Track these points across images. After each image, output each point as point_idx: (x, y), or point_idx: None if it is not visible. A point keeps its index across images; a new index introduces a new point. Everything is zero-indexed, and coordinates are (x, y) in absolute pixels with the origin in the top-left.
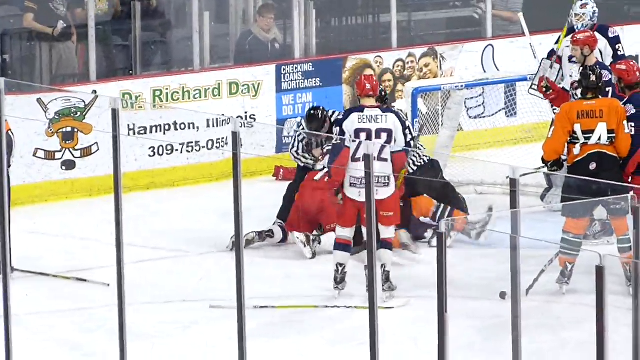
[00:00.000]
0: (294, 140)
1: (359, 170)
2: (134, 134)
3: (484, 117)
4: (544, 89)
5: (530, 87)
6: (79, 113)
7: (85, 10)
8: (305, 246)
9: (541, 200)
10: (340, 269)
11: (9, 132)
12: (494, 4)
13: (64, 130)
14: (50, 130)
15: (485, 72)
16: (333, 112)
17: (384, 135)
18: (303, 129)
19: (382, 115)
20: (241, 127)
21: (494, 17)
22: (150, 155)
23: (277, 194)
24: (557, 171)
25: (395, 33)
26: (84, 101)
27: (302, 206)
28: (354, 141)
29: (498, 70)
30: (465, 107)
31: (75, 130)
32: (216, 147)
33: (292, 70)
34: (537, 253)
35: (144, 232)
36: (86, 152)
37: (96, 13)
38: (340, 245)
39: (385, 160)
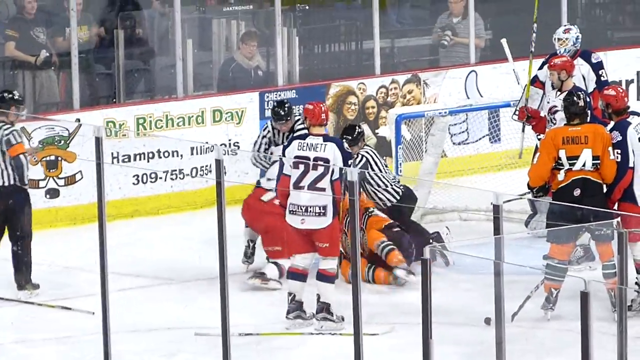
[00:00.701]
0: (259, 136)
1: (299, 198)
2: (118, 162)
3: (468, 143)
4: (526, 118)
5: (514, 113)
6: (62, 141)
7: (67, 40)
8: (267, 283)
9: (525, 227)
10: (290, 297)
11: (20, 155)
12: (458, 32)
13: (48, 158)
14: (34, 158)
15: (468, 98)
16: (298, 120)
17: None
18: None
19: (321, 144)
20: (225, 154)
21: (459, 44)
22: (134, 183)
23: None
24: (542, 197)
25: (379, 60)
26: (67, 129)
27: (248, 223)
28: (296, 168)
29: (481, 96)
30: (449, 133)
31: (59, 158)
32: (200, 174)
33: (276, 97)
34: (522, 279)
35: (128, 260)
36: (70, 180)
37: (78, 41)
38: (290, 274)
39: (323, 189)
